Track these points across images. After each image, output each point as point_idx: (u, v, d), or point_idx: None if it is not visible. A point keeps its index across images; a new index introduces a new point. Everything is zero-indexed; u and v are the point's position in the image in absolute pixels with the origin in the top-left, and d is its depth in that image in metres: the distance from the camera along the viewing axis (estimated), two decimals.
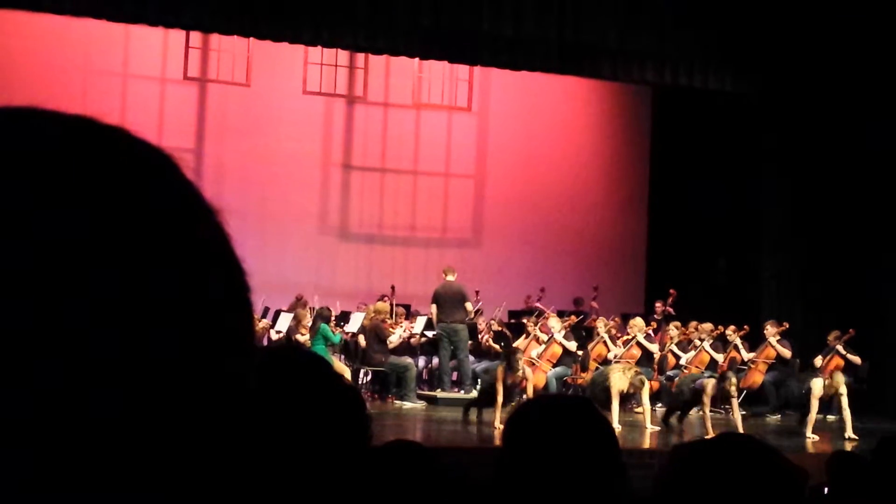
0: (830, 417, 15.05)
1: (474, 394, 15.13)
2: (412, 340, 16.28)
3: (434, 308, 15.48)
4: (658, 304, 18.11)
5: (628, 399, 16.15)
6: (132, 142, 0.58)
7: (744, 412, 15.81)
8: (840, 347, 15.29)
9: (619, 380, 13.31)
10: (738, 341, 16.29)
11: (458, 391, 15.52)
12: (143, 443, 0.53)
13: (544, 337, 16.14)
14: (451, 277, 15.51)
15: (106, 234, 0.53)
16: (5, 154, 0.54)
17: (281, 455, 1.18)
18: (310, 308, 16.13)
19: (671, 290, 17.76)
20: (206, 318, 0.55)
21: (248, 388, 0.58)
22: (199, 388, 0.55)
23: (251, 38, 17.57)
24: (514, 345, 16.55)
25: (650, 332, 16.20)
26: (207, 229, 0.59)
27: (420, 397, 15.17)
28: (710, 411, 16.17)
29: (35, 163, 0.54)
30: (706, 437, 11.60)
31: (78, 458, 0.51)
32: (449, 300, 15.29)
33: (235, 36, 17.12)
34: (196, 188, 0.59)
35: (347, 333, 16.27)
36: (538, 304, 18.29)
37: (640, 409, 15.47)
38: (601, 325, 16.49)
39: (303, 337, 15.16)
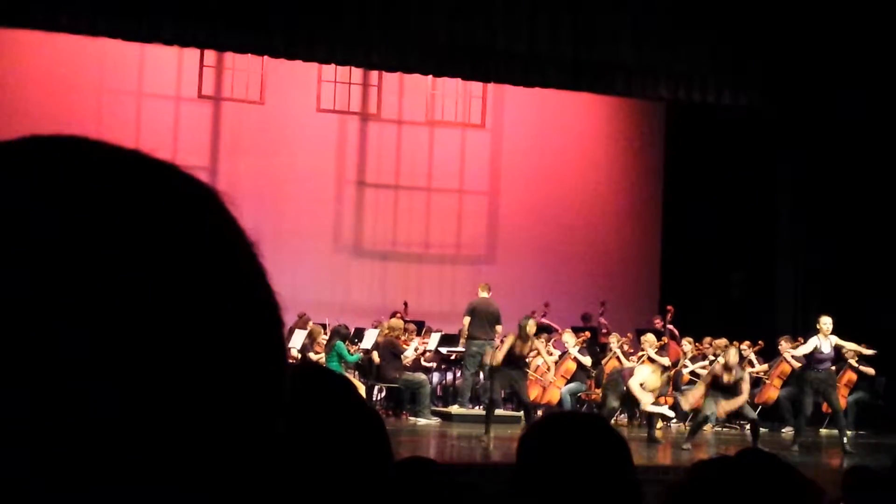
0: (848, 432, 14.97)
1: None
2: (425, 357, 16.22)
3: (467, 321, 15.26)
4: (657, 321, 18.05)
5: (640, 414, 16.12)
6: (181, 178, 0.59)
7: (763, 429, 15.80)
8: (853, 361, 15.26)
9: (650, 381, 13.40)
10: (753, 356, 16.27)
11: (474, 407, 15.48)
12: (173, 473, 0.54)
13: (556, 352, 16.12)
14: (486, 294, 15.40)
15: (151, 272, 0.54)
16: (54, 189, 0.55)
17: (303, 477, 1.18)
18: (315, 325, 16.12)
19: (668, 307, 17.72)
20: (239, 351, 0.57)
21: (280, 423, 0.59)
22: (235, 424, 0.56)
23: (265, 57, 17.63)
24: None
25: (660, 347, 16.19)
26: (248, 265, 0.60)
27: (434, 413, 15.14)
28: (725, 426, 16.17)
29: (86, 200, 0.55)
30: (721, 453, 11.58)
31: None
32: (486, 317, 15.14)
33: (249, 54, 17.18)
34: (238, 224, 0.60)
35: (362, 350, 16.27)
36: (544, 320, 18.24)
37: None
38: (614, 341, 16.49)
39: (316, 355, 15.18)
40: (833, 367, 14.12)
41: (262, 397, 0.58)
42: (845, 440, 13.18)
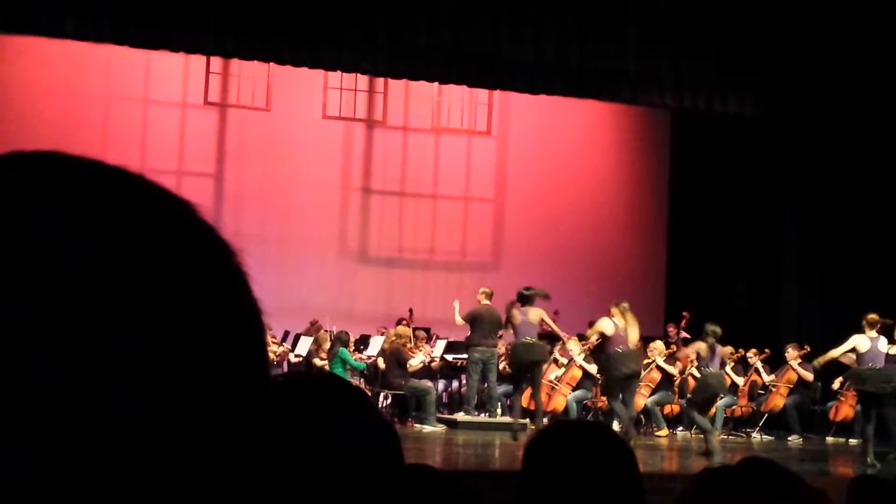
0: (853, 441, 14.96)
1: (500, 416, 15.07)
2: (432, 364, 16.21)
3: (460, 323, 15.16)
4: (671, 328, 18.02)
5: (648, 421, 16.12)
6: (154, 191, 0.59)
7: (768, 437, 15.78)
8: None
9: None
10: (759, 364, 16.25)
11: (480, 414, 15.46)
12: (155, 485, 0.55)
13: (563, 360, 16.11)
14: (488, 301, 15.33)
15: (123, 285, 0.55)
16: (30, 205, 0.55)
17: (316, 486, 1.17)
18: (327, 332, 16.14)
19: (684, 314, 17.70)
20: (219, 360, 0.57)
21: (264, 432, 0.59)
22: (216, 434, 0.57)
23: (271, 64, 17.66)
24: None
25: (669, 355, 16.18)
26: (225, 276, 0.60)
27: (440, 421, 15.13)
28: (731, 434, 16.15)
29: (62, 217, 0.55)
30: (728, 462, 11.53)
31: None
32: (490, 323, 15.04)
33: (255, 61, 17.20)
34: (216, 235, 0.61)
35: (367, 357, 16.26)
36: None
37: (660, 433, 15.44)
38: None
39: (321, 361, 15.18)
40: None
41: (245, 400, 0.59)
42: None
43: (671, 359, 16.19)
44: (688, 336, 17.41)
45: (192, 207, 0.61)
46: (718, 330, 13.03)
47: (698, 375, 16.30)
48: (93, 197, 0.57)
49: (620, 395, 12.86)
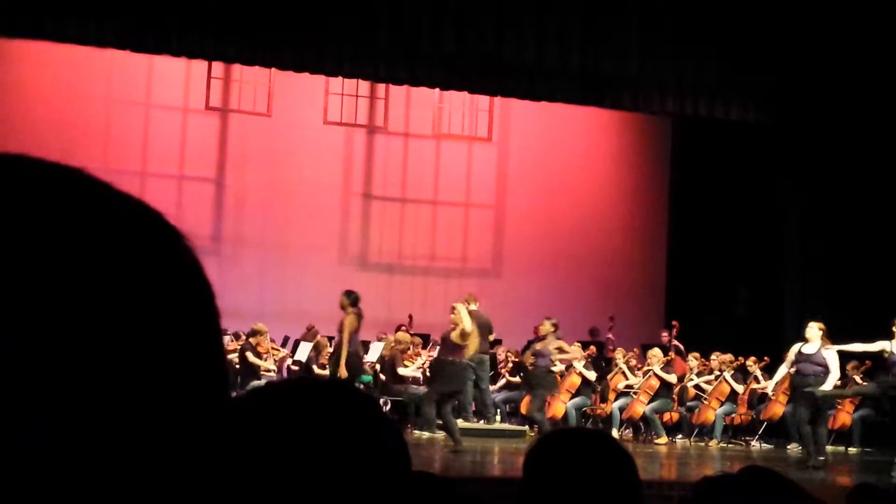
0: (852, 450, 14.96)
1: (498, 423, 15.05)
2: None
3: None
4: (664, 335, 18.00)
5: (647, 429, 16.11)
6: (109, 194, 0.59)
7: (768, 445, 15.77)
8: (857, 378, 15.23)
9: None
10: (759, 372, 16.24)
11: (478, 421, 15.44)
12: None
13: (561, 367, 16.10)
14: (475, 306, 15.31)
15: (74, 288, 0.54)
16: None
17: (323, 493, 1.17)
18: (323, 337, 16.13)
19: (674, 322, 17.68)
20: (172, 356, 0.57)
21: (224, 437, 0.59)
22: (174, 427, 0.56)
23: (273, 69, 17.67)
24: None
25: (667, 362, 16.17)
26: (179, 266, 0.60)
27: (439, 427, 15.08)
28: (730, 442, 16.14)
29: (15, 217, 0.55)
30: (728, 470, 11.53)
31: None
32: (479, 329, 14.99)
33: (257, 66, 17.21)
34: (169, 226, 0.60)
35: (366, 363, 16.22)
36: None
37: (659, 441, 15.44)
38: (620, 356, 16.48)
39: (321, 369, 15.15)
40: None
41: (198, 394, 0.58)
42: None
43: (668, 366, 16.19)
44: (679, 345, 17.42)
45: (136, 199, 0.60)
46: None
47: (695, 382, 16.31)
48: (24, 195, 0.56)
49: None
